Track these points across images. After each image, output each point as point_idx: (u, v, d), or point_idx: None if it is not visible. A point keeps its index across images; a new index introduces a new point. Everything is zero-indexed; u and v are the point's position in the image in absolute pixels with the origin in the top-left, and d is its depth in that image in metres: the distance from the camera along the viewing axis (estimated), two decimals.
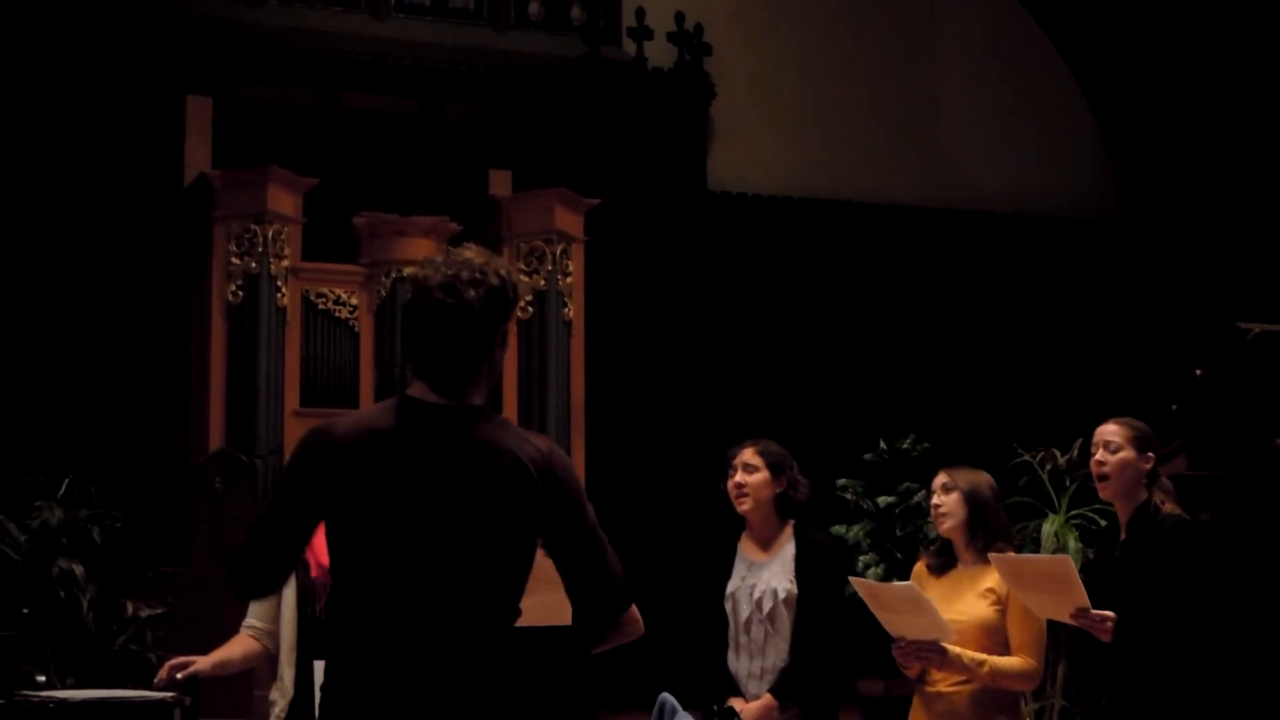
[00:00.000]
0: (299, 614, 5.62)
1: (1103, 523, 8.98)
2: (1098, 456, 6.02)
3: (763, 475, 6.47)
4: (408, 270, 3.57)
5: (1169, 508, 5.90)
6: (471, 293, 3.95)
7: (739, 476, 6.48)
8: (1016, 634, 6.09)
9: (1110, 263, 14.95)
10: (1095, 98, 15.30)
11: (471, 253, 4.01)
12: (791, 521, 6.54)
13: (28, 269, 12.06)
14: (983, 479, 6.38)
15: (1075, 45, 15.23)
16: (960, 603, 6.21)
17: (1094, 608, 5.75)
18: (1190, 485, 6.20)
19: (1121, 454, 5.97)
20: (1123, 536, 6.06)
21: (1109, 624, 5.76)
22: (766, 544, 6.54)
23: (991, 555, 6.11)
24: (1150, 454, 5.97)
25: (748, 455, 6.51)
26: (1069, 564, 5.88)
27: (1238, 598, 6.06)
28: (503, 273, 4.01)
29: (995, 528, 6.27)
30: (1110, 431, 6.03)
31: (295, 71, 13.02)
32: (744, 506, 6.45)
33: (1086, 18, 15.04)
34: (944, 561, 6.39)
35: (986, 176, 14.85)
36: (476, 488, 3.93)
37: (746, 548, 6.55)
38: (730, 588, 6.47)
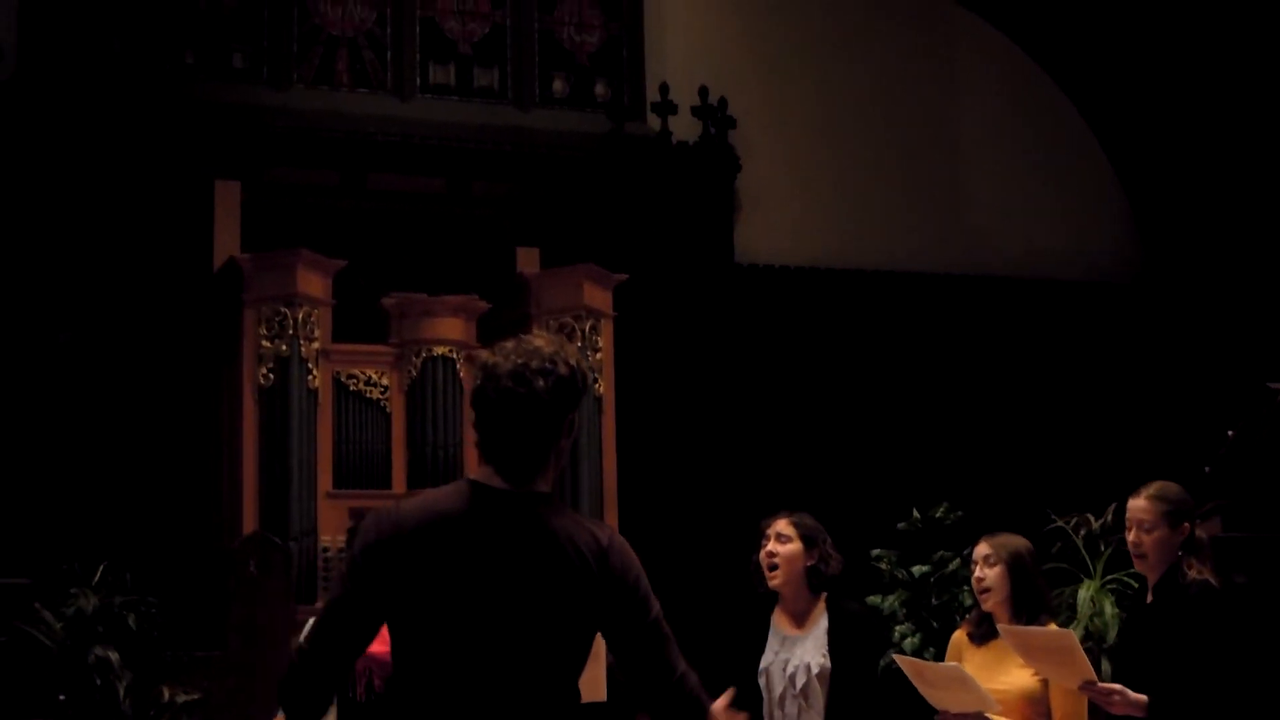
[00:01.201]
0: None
1: (1137, 585, 8.93)
2: (1132, 537, 5.99)
3: (795, 546, 6.46)
4: (481, 355, 3.60)
5: (1195, 571, 5.86)
6: (541, 382, 3.97)
7: (771, 545, 6.47)
8: (1059, 705, 6.07)
9: (1138, 325, 14.91)
10: (1120, 161, 15.29)
11: (541, 341, 4.04)
12: (824, 594, 6.51)
13: (59, 354, 12.12)
14: (1023, 547, 6.36)
15: (1099, 109, 15.24)
16: (1003, 673, 6.18)
17: (1117, 672, 5.73)
18: (1225, 547, 6.17)
19: (1157, 533, 5.94)
20: (1150, 599, 6.03)
21: (1115, 696, 5.72)
22: (799, 618, 6.51)
23: (1001, 628, 6.08)
24: (1185, 524, 5.93)
25: (781, 525, 6.50)
26: (1071, 638, 5.86)
27: (1271, 660, 6.02)
28: (572, 362, 4.03)
29: (1037, 600, 6.25)
30: (1141, 509, 5.98)
31: (322, 154, 13.09)
32: (775, 580, 6.43)
33: (1110, 81, 15.05)
34: (984, 631, 6.36)
35: (1013, 242, 14.84)
36: (541, 576, 3.93)
37: (779, 622, 6.52)
38: (764, 663, 6.44)
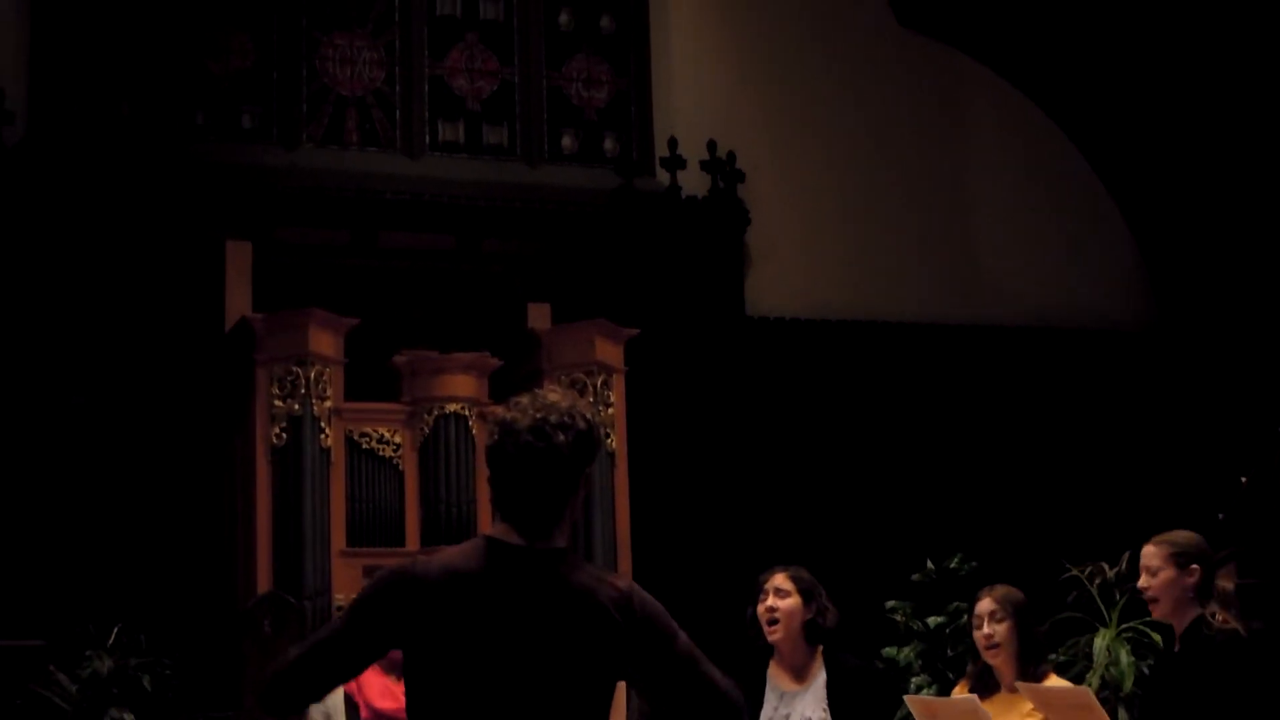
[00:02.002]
0: None
1: (1155, 636, 8.90)
2: (1141, 581, 6.00)
3: (794, 600, 6.46)
4: (496, 411, 3.62)
5: (1222, 620, 5.85)
6: (561, 437, 3.99)
7: (771, 601, 6.48)
8: None
9: (1151, 373, 14.90)
10: (1129, 209, 15.30)
11: (557, 395, 4.06)
12: (821, 648, 6.51)
13: (73, 416, 12.14)
14: (1023, 599, 6.38)
15: (1108, 158, 15.27)
16: None
17: None
18: (1240, 594, 6.16)
19: (1163, 574, 5.94)
20: (1176, 648, 6.02)
21: None
22: (798, 672, 6.51)
23: (1019, 685, 6.09)
24: (1195, 566, 5.92)
25: (779, 580, 6.51)
26: (1089, 695, 5.87)
27: None
28: (589, 416, 4.06)
29: (1039, 650, 6.27)
30: (1149, 554, 6.01)
31: (333, 213, 13.13)
32: (775, 634, 6.43)
33: (1118, 131, 15.08)
34: (987, 684, 6.36)
35: (1024, 292, 14.85)
36: (563, 632, 3.93)
37: (777, 676, 6.51)
38: (763, 718, 6.42)
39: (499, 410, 4.10)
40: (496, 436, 4.03)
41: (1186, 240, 14.91)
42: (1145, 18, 14.39)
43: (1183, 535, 6.00)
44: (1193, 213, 14.76)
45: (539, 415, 3.99)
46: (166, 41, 12.98)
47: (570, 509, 4.07)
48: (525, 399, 4.05)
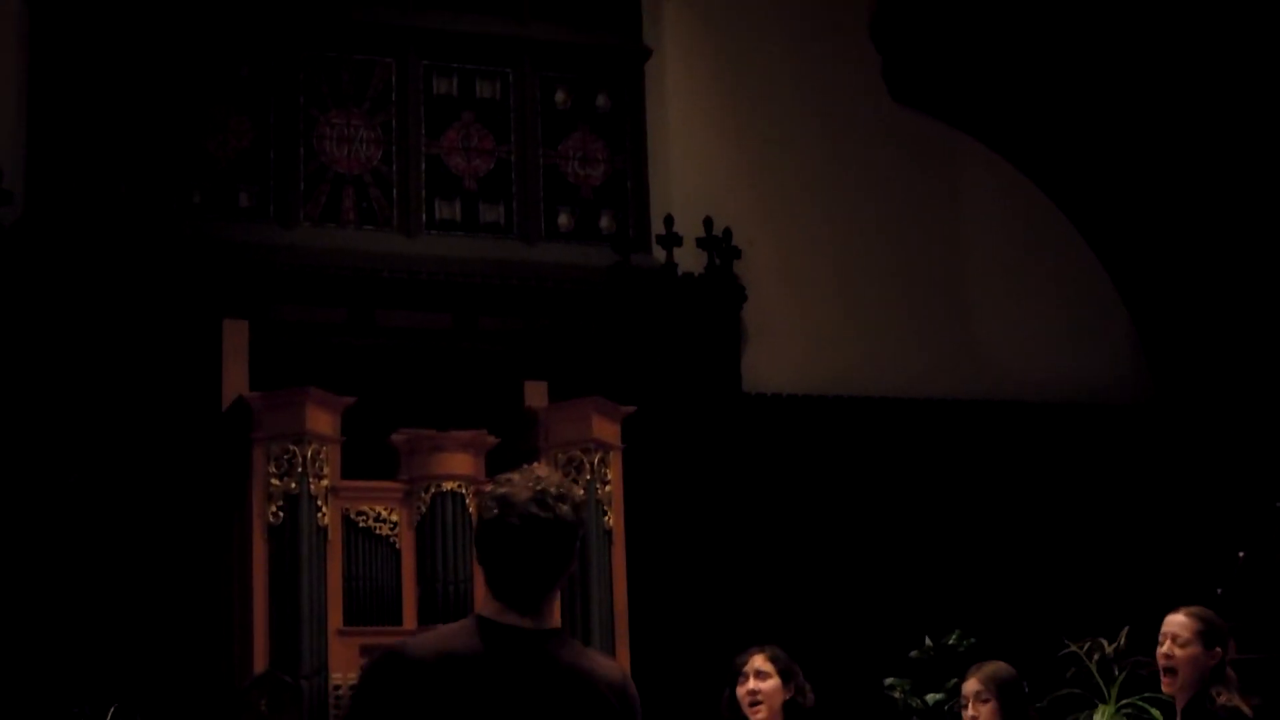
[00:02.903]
0: None
1: (1155, 712, 8.88)
2: (1164, 649, 5.96)
3: (775, 682, 6.47)
4: (489, 488, 3.60)
5: (1225, 698, 5.83)
6: (564, 507, 3.99)
7: (752, 684, 6.48)
8: None
9: (1148, 448, 14.88)
10: (1125, 284, 15.33)
11: (544, 470, 4.05)
12: None
13: (68, 494, 12.11)
14: (1011, 675, 6.36)
15: (1103, 233, 15.30)
16: None
17: None
18: (1240, 670, 6.14)
19: (1190, 649, 5.91)
20: None
21: None
22: None
23: None
24: (1218, 649, 5.89)
25: (759, 662, 6.51)
26: None
27: None
28: (578, 490, 4.05)
29: None
30: (1178, 624, 5.96)
31: (330, 291, 13.14)
32: (758, 716, 6.42)
33: (1114, 206, 15.12)
34: None
35: (1020, 366, 14.86)
36: (562, 715, 3.90)
37: None
38: None
39: (490, 487, 4.09)
40: (495, 511, 3.99)
41: (1183, 315, 14.92)
42: (1142, 95, 14.47)
43: (1210, 612, 5.97)
44: (1189, 288, 14.78)
45: (538, 488, 3.98)
46: (164, 122, 13.03)
47: (563, 583, 4.07)
48: (515, 475, 4.05)
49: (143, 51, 13.09)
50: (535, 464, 4.16)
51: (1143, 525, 14.51)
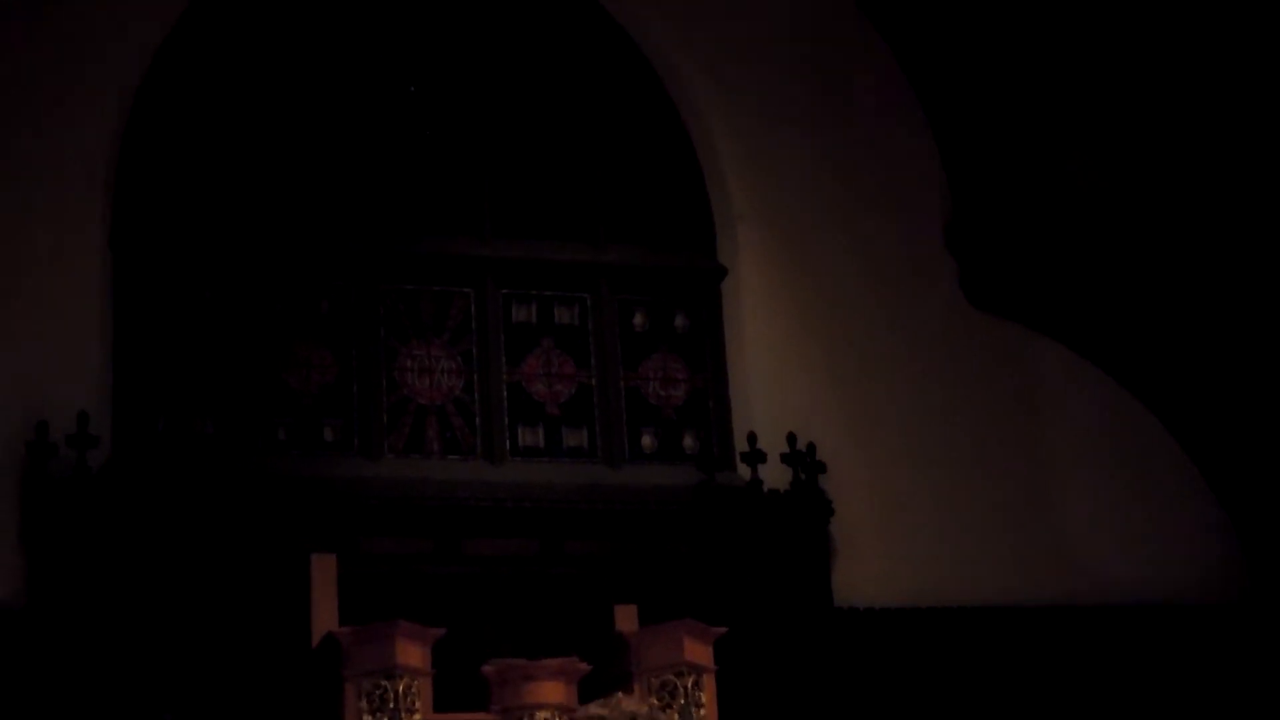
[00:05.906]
0: None
1: None
2: None
3: None
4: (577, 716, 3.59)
5: None
6: None
7: None
8: None
9: (1247, 645, 14.66)
10: (1215, 478, 15.20)
11: (634, 702, 4.02)
12: None
13: None
14: None
15: (1190, 428, 15.21)
16: None
17: None
18: None
19: None
20: None
21: None
22: None
23: None
24: None
25: None
26: None
27: None
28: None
29: None
30: None
31: (416, 522, 13.16)
32: None
33: (1199, 399, 15.05)
34: None
35: (1112, 569, 14.69)
36: None
37: None
38: None
39: (579, 714, 4.04)
40: None
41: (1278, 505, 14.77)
42: (1217, 291, 14.44)
43: None
44: None
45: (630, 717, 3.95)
46: (246, 360, 13.22)
47: None
48: (604, 710, 4.01)
49: (224, 291, 13.31)
50: (620, 693, 4.11)
51: None
